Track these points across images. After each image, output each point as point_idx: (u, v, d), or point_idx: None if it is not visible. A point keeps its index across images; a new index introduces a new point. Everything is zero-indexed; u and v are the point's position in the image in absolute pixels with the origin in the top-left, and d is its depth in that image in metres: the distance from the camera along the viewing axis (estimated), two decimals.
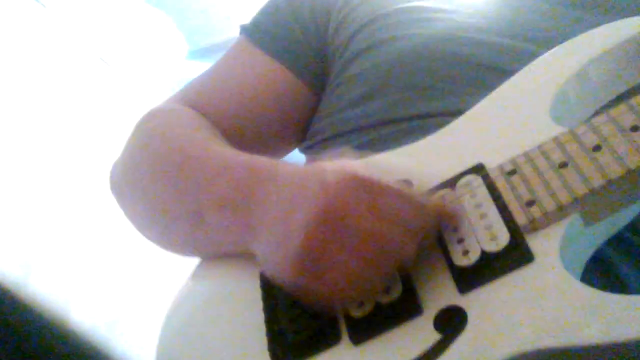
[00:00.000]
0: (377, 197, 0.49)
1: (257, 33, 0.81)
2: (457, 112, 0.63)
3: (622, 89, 0.60)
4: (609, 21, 0.68)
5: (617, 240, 0.56)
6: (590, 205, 0.50)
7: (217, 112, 0.77)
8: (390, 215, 0.48)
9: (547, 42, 0.64)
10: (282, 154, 0.83)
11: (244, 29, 0.82)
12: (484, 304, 0.48)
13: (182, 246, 0.67)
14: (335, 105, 0.75)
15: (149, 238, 0.71)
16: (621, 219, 0.55)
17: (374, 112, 0.70)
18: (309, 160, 0.79)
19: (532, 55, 0.63)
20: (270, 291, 0.57)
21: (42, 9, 1.47)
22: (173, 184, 0.65)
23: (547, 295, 0.46)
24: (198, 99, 0.78)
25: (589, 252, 0.53)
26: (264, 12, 0.83)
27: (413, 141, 0.63)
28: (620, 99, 0.58)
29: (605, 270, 0.57)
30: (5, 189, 1.09)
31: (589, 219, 0.50)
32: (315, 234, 0.48)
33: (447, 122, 0.62)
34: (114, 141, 0.79)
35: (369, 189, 0.49)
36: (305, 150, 0.80)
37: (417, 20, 0.74)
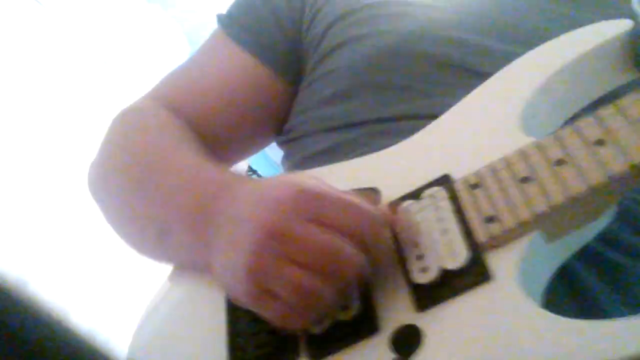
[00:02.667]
0: (321, 207, 0.48)
1: (231, 25, 0.79)
2: (430, 115, 0.61)
3: (596, 95, 0.58)
4: (594, 18, 0.66)
5: (583, 252, 0.55)
6: (551, 222, 0.48)
7: (191, 108, 0.76)
8: (336, 224, 0.47)
9: (527, 41, 0.62)
10: (258, 147, 0.82)
11: (220, 20, 0.81)
12: (440, 323, 0.48)
13: (153, 255, 0.67)
14: (308, 102, 0.74)
15: (124, 241, 0.71)
16: (586, 234, 0.53)
17: (345, 113, 0.69)
18: (284, 153, 0.78)
19: (509, 56, 0.61)
20: (235, 305, 0.57)
21: (39, 7, 1.46)
22: (140, 196, 0.65)
23: (499, 317, 0.46)
24: (172, 94, 0.77)
25: (552, 269, 0.51)
26: (240, 5, 0.82)
27: (383, 146, 0.62)
28: (593, 106, 0.57)
29: (572, 283, 0.55)
30: (4, 191, 1.11)
31: (551, 235, 0.49)
32: (258, 251, 0.48)
33: (418, 126, 0.61)
34: None
35: (312, 200, 0.48)
36: (281, 144, 0.79)
37: (390, 16, 0.72)
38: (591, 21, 0.60)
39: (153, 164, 0.66)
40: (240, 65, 0.77)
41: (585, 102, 0.58)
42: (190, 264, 0.61)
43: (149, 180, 0.64)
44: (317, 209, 0.48)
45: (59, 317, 0.31)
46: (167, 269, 0.68)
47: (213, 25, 0.83)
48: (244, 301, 0.50)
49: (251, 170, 2.47)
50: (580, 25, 0.60)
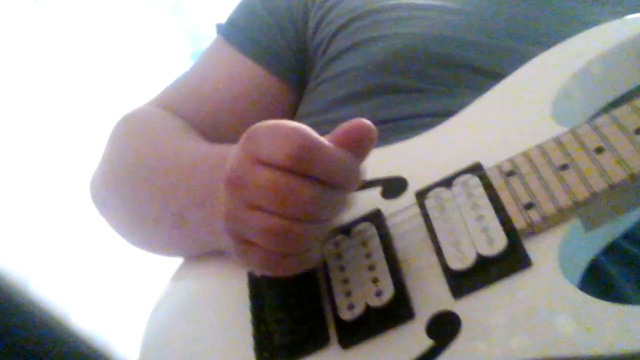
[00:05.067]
0: (260, 143, 0.47)
1: (233, 34, 0.78)
2: (446, 113, 0.61)
3: (626, 88, 0.58)
4: (609, 14, 0.66)
5: (612, 250, 0.54)
6: (590, 209, 0.48)
7: (195, 116, 0.74)
8: (273, 158, 0.46)
9: (542, 42, 0.62)
10: None
11: (220, 30, 0.80)
12: (479, 311, 0.47)
13: (167, 248, 0.65)
14: (316, 106, 0.73)
15: (133, 244, 0.69)
16: (622, 223, 0.53)
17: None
18: None
19: (524, 56, 0.60)
20: (258, 291, 0.55)
21: (39, 7, 1.44)
22: (150, 187, 0.63)
23: (544, 304, 0.45)
24: (175, 103, 0.76)
25: (588, 258, 0.51)
26: (240, 11, 0.80)
27: (403, 139, 0.61)
28: (624, 98, 0.57)
29: (600, 280, 0.55)
30: (5, 193, 1.08)
31: (589, 223, 0.49)
32: (226, 203, 0.48)
33: (436, 122, 0.60)
34: None
35: (253, 138, 0.47)
36: None
37: (402, 19, 0.71)
38: (606, 20, 0.60)
39: (157, 156, 0.65)
40: (244, 73, 0.76)
41: (615, 94, 0.58)
42: (211, 244, 0.60)
43: (158, 172, 0.63)
44: (256, 146, 0.47)
45: (60, 318, 0.30)
46: (168, 270, 0.66)
47: (213, 25, 0.82)
48: (235, 256, 0.50)
49: None
50: (596, 24, 0.60)
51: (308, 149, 0.46)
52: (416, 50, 0.68)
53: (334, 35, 0.74)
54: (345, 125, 0.49)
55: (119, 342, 0.58)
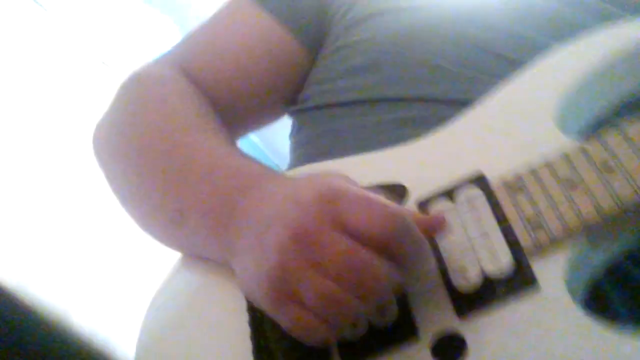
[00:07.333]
0: (346, 209, 0.45)
1: None
2: (458, 101, 0.59)
3: (631, 93, 0.57)
4: (629, 13, 0.65)
5: (613, 269, 0.54)
6: (598, 228, 0.47)
7: (210, 75, 0.72)
8: (361, 229, 0.44)
9: (563, 33, 0.60)
10: (270, 119, 0.79)
11: None
12: (484, 332, 0.46)
13: (159, 236, 0.63)
14: (329, 72, 0.71)
15: (127, 213, 0.66)
16: (627, 240, 0.52)
17: (370, 86, 0.66)
18: (295, 125, 0.75)
19: (544, 47, 0.59)
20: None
21: (44, 12, 1.39)
22: (158, 173, 0.61)
23: (551, 327, 0.44)
24: (191, 60, 0.73)
25: (591, 275, 0.50)
26: None
27: (405, 135, 0.59)
28: (630, 107, 0.56)
29: (597, 298, 0.54)
30: (4, 193, 1.06)
31: (595, 241, 0.48)
32: (283, 252, 0.44)
33: (446, 113, 0.58)
34: None
35: (336, 201, 0.45)
36: (294, 113, 0.75)
37: None
38: (624, 16, 0.59)
39: (172, 141, 0.61)
40: (261, 29, 0.73)
41: (623, 98, 0.56)
42: (203, 253, 0.58)
43: (167, 159, 0.60)
44: (342, 211, 0.45)
45: (59, 318, 0.29)
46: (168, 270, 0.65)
47: None
48: (264, 305, 0.47)
49: None
50: (615, 19, 0.59)
51: (404, 231, 0.45)
52: (438, 27, 0.66)
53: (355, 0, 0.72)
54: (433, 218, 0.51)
55: (119, 342, 0.57)
